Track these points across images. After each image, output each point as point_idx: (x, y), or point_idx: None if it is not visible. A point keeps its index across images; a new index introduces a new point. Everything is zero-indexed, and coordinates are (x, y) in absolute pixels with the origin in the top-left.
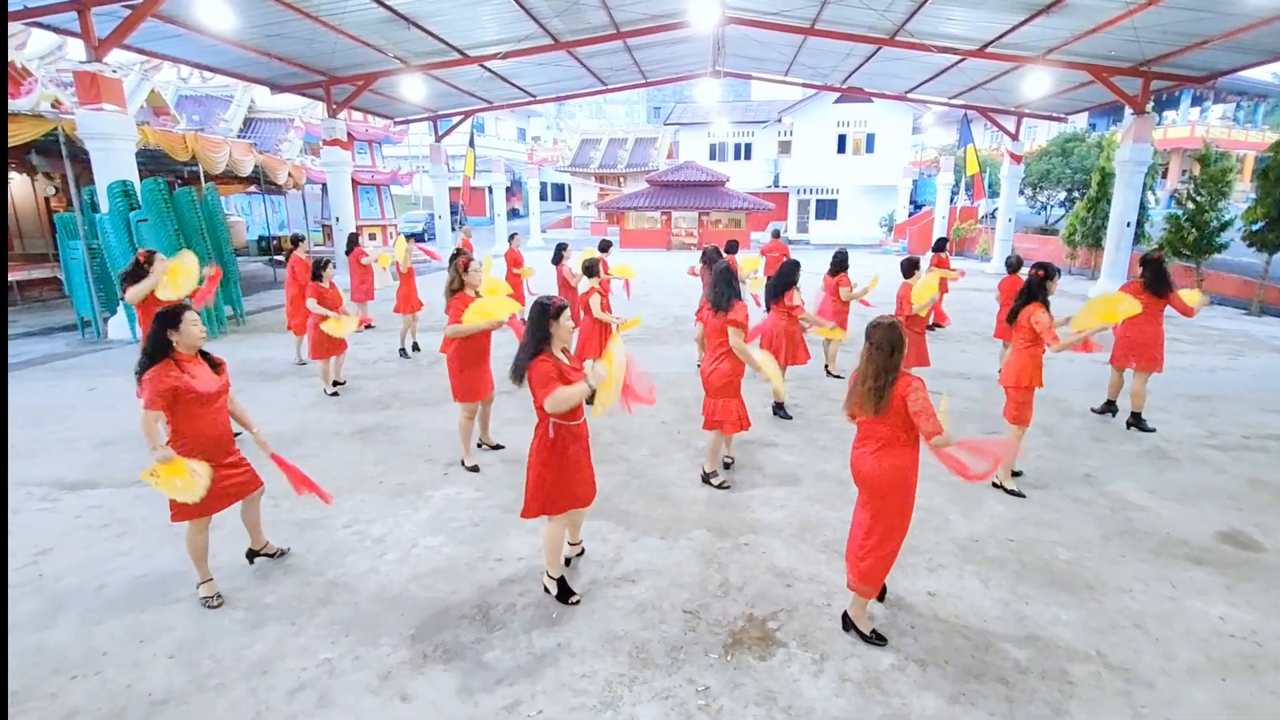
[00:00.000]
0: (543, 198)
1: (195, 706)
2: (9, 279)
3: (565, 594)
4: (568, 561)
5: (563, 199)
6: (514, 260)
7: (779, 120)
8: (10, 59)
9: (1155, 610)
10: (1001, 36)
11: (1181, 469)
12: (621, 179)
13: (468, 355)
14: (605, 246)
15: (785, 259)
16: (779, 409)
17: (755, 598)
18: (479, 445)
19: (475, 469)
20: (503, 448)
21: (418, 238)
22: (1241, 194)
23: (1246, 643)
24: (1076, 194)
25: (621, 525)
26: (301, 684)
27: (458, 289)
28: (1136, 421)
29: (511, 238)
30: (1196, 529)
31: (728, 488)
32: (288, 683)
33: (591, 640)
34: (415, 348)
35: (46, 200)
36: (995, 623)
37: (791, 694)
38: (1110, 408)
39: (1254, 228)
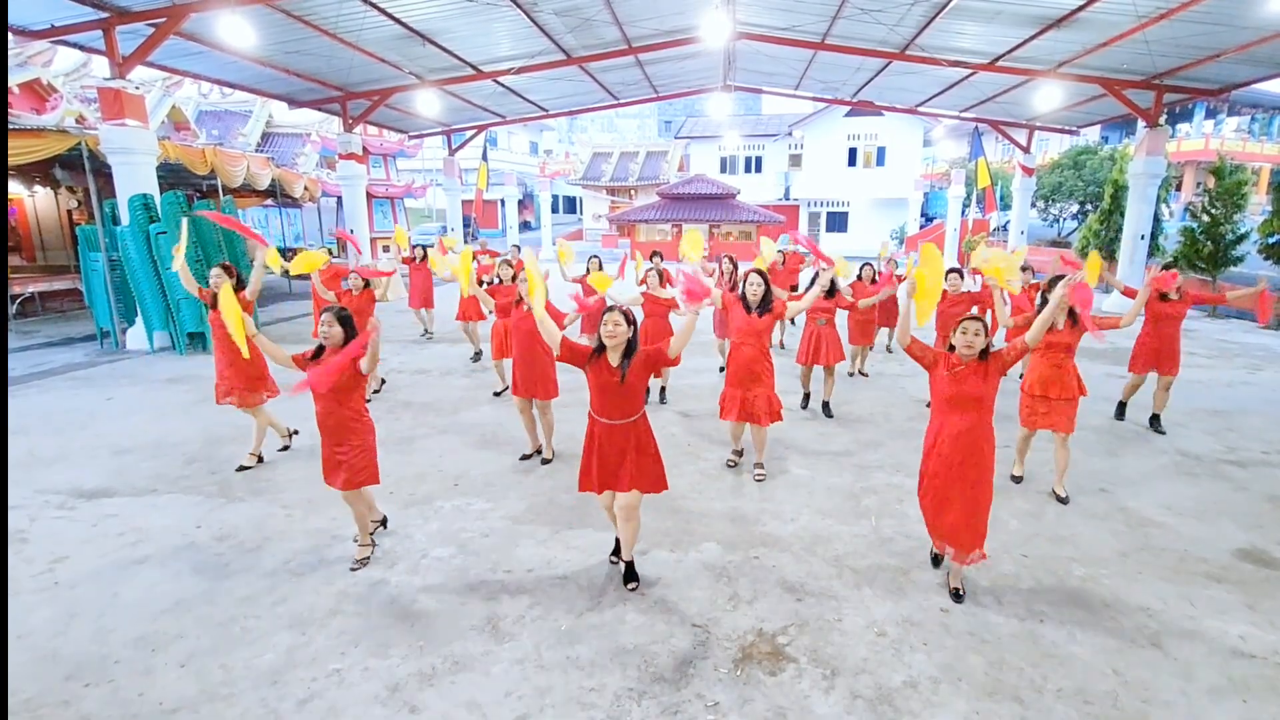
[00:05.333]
0: (554, 210)
1: (206, 715)
2: (31, 290)
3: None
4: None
5: (574, 211)
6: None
7: (789, 134)
8: (37, 76)
9: (1174, 629)
10: (1013, 50)
11: (1200, 484)
12: (633, 192)
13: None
14: (656, 255)
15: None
16: (825, 407)
17: (765, 612)
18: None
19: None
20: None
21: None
22: (1257, 207)
23: (1268, 663)
24: (1089, 207)
25: None
26: (311, 694)
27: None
28: (1156, 422)
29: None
30: (1216, 546)
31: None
32: (298, 693)
33: (600, 653)
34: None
35: (69, 213)
36: (1010, 640)
37: (802, 710)
38: (1122, 411)
39: (1270, 240)
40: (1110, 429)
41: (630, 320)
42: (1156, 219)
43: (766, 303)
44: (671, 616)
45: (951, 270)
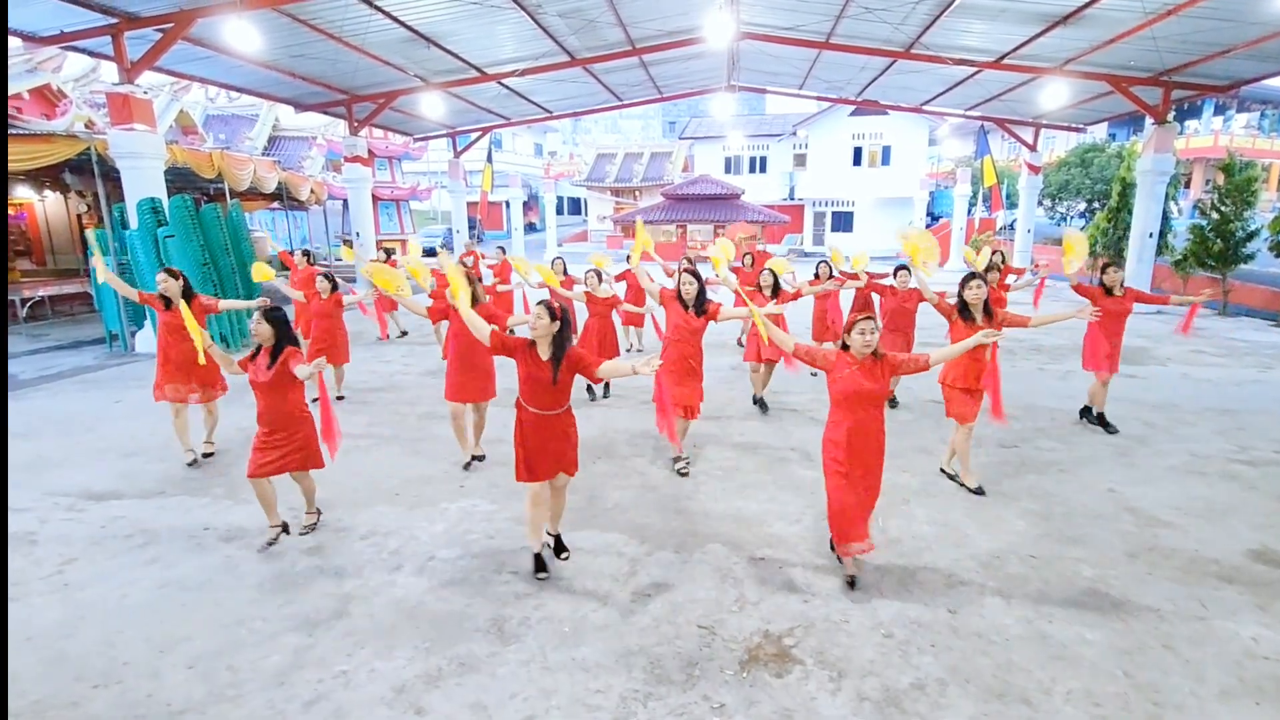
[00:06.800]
0: (559, 212)
1: (213, 717)
2: (41, 294)
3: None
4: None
5: (579, 213)
6: (502, 273)
7: (794, 133)
8: (47, 82)
9: (1184, 630)
10: (1019, 48)
11: (1210, 485)
12: (637, 193)
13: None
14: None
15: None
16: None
17: (771, 613)
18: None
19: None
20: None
21: (430, 253)
22: (1268, 203)
23: None
24: (1096, 205)
25: (636, 539)
26: (318, 696)
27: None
28: (1095, 417)
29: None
30: (1226, 547)
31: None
32: (304, 694)
33: (606, 655)
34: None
35: (79, 217)
36: (1018, 642)
37: (808, 712)
38: (1092, 415)
39: None
40: (1117, 427)
41: (555, 315)
42: (1165, 217)
43: (701, 302)
44: (677, 618)
45: (900, 268)
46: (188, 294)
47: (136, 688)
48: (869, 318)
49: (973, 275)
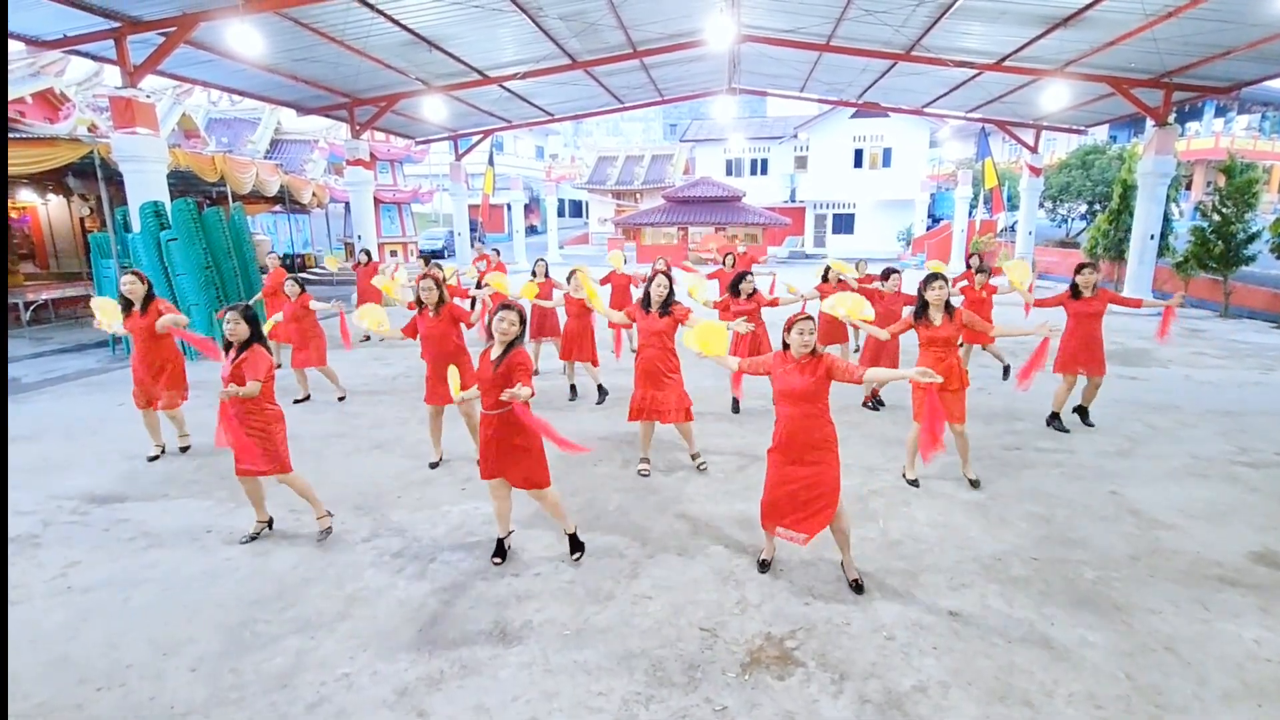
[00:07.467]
0: (560, 214)
1: (216, 719)
2: (45, 297)
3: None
4: None
5: (580, 215)
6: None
7: (795, 136)
8: (50, 85)
9: (1187, 633)
10: (1019, 50)
11: (1212, 487)
12: (638, 195)
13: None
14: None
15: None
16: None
17: (773, 616)
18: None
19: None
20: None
21: (437, 254)
22: (1269, 205)
23: None
24: (1098, 207)
25: (638, 541)
26: (320, 698)
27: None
28: (1051, 416)
29: (496, 252)
30: (1228, 549)
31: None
32: (307, 696)
33: (608, 658)
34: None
35: (81, 221)
36: (1020, 644)
37: (810, 715)
38: (1056, 419)
39: None
40: (1118, 429)
41: (523, 319)
42: (1166, 219)
43: (667, 304)
44: (679, 620)
45: (891, 271)
46: (149, 297)
47: (139, 690)
48: (808, 318)
49: (935, 276)
